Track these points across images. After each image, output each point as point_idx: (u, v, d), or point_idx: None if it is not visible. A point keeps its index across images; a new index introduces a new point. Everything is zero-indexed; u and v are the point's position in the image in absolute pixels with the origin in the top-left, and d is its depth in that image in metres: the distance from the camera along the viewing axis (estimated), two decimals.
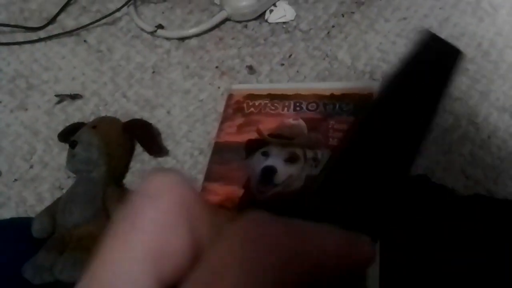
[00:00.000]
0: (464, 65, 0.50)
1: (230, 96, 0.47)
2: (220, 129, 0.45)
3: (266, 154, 0.40)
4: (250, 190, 0.38)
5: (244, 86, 0.50)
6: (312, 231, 0.14)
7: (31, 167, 0.54)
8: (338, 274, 0.14)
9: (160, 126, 0.54)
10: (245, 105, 0.45)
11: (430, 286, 0.36)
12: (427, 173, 0.43)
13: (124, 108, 0.57)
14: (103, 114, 0.57)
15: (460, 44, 0.52)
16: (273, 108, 0.44)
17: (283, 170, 0.38)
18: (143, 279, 0.13)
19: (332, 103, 0.42)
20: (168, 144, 0.53)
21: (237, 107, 0.46)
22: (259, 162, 0.39)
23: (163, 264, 0.14)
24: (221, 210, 0.14)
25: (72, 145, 0.49)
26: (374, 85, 0.42)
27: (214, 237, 0.14)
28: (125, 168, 0.52)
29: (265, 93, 0.46)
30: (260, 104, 0.45)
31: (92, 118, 0.55)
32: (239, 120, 0.44)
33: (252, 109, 0.45)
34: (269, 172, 0.38)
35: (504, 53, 0.50)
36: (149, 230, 0.14)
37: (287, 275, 0.13)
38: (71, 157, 0.49)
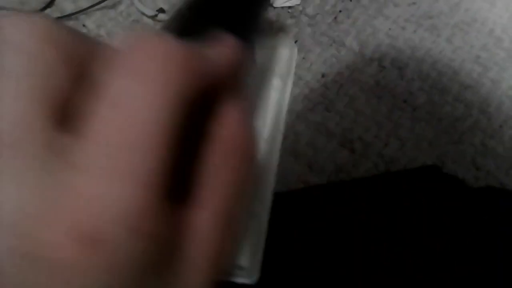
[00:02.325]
0: (475, 52, 0.49)
1: None
2: None
3: None
4: None
5: None
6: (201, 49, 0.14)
7: None
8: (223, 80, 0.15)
9: None
10: None
11: (438, 282, 0.36)
12: (437, 164, 0.42)
13: None
14: None
15: (471, 30, 0.50)
16: None
17: None
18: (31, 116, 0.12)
19: None
20: None
21: None
22: None
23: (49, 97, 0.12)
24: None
25: None
26: None
27: (106, 64, 0.13)
28: None
29: None
30: None
31: None
32: None
33: None
34: None
35: None
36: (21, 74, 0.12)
37: (190, 92, 0.13)
38: None
